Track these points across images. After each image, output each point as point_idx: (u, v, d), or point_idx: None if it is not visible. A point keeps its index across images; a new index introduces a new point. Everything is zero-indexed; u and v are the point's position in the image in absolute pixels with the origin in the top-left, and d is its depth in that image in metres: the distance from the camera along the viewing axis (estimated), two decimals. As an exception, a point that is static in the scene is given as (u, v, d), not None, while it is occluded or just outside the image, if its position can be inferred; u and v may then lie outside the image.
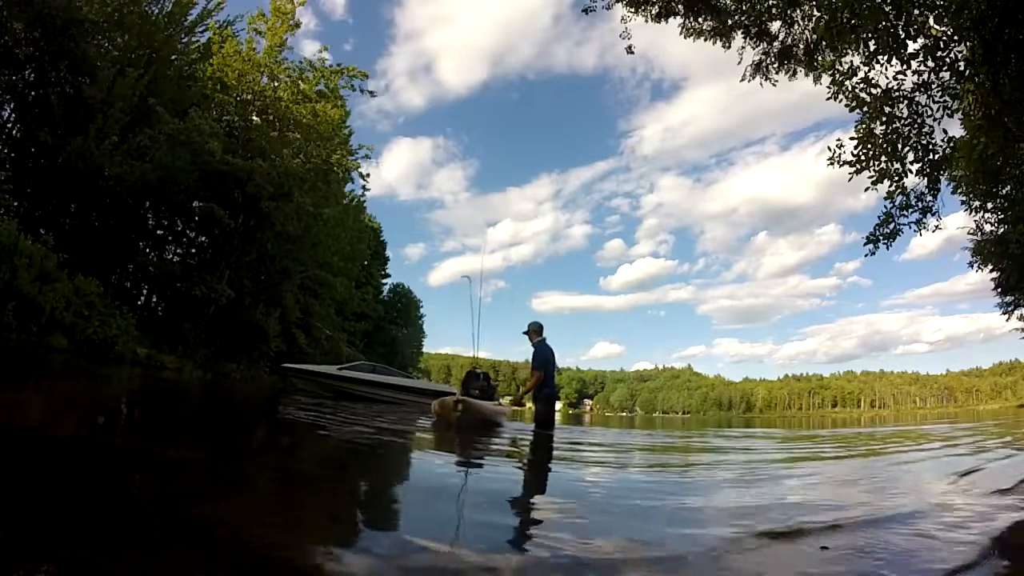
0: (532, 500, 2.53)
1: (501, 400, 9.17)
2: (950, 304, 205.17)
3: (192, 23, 20.70)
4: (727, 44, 8.49)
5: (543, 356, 6.65)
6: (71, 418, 3.59)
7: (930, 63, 6.72)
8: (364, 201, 32.27)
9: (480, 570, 1.30)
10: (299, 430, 4.78)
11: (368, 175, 25.49)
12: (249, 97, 20.59)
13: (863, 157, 7.73)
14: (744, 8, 8.08)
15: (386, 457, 3.59)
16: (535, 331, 6.77)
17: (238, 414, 6.30)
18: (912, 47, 6.65)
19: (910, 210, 8.01)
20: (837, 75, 7.44)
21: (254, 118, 20.82)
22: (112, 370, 10.33)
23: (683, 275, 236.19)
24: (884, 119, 7.47)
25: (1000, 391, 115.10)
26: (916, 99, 7.22)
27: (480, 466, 3.56)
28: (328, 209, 22.62)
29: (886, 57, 6.83)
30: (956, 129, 8.30)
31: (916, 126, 7.42)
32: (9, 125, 16.72)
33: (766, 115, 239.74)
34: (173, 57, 20.18)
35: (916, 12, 6.43)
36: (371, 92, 25.53)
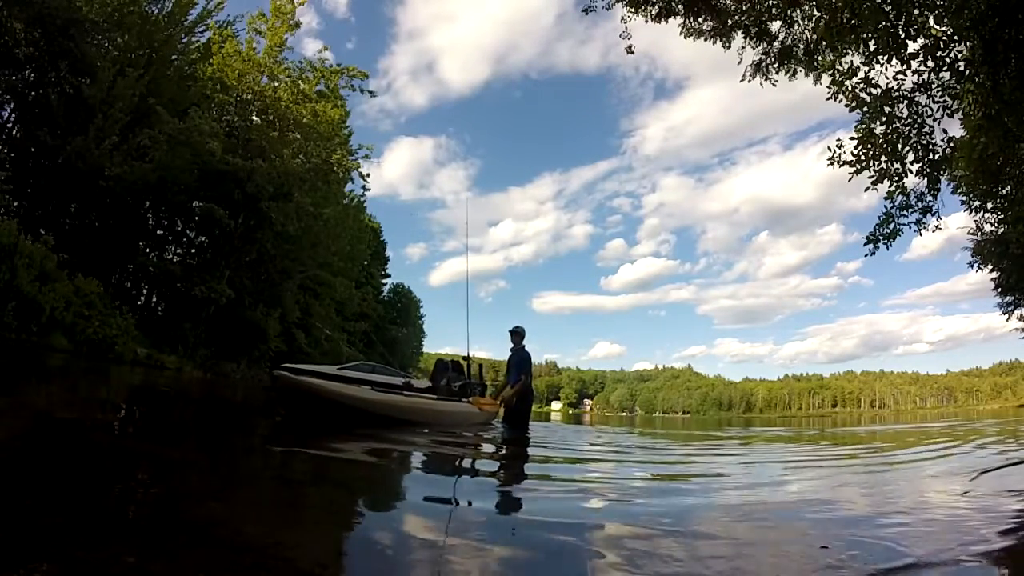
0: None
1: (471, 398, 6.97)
2: (951, 304, 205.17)
3: (192, 23, 20.69)
4: (727, 44, 8.48)
5: (530, 361, 7.13)
6: (71, 418, 3.59)
7: (930, 63, 6.72)
8: (364, 201, 32.28)
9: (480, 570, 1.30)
10: (298, 430, 4.78)
11: (368, 175, 25.43)
12: (249, 97, 20.56)
13: (863, 157, 7.73)
14: (744, 8, 8.08)
15: (385, 456, 3.59)
16: (521, 335, 7.09)
17: (238, 414, 6.29)
18: (912, 47, 6.65)
19: (910, 210, 8.00)
20: (837, 75, 7.44)
21: (254, 118, 20.80)
22: (112, 370, 10.33)
23: (684, 275, 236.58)
24: (884, 119, 7.46)
25: (1000, 391, 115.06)
26: (916, 99, 7.22)
27: (480, 459, 3.55)
28: (328, 209, 22.59)
29: (886, 57, 6.82)
30: (956, 129, 8.29)
31: (916, 126, 7.42)
32: (9, 125, 16.72)
33: (769, 114, 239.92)
34: (173, 57, 20.16)
35: (916, 12, 6.43)
36: (371, 92, 25.48)
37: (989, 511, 2.37)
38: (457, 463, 3.61)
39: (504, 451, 4.68)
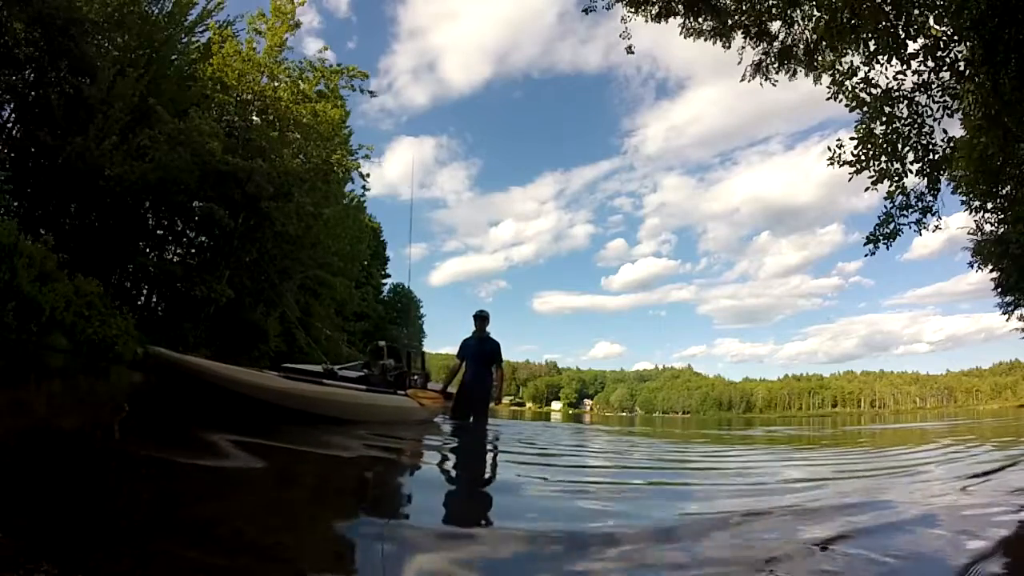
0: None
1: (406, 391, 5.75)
2: (951, 304, 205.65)
3: (192, 23, 20.68)
4: (727, 44, 8.49)
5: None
6: (70, 418, 3.59)
7: (930, 63, 6.73)
8: (364, 201, 32.29)
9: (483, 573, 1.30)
10: (298, 430, 4.77)
11: (368, 175, 25.40)
12: (249, 97, 20.56)
13: (863, 157, 7.75)
14: (744, 8, 8.08)
15: (385, 456, 3.59)
16: (487, 319, 6.49)
17: (237, 413, 6.27)
18: (912, 47, 6.66)
19: (910, 210, 8.03)
20: (837, 75, 7.45)
21: (254, 118, 20.79)
22: (112, 370, 10.33)
23: (685, 275, 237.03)
24: (884, 119, 7.48)
25: (1000, 391, 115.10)
26: (916, 99, 7.24)
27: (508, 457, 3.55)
28: (328, 209, 22.60)
29: (886, 57, 6.84)
30: (956, 129, 8.31)
31: (916, 126, 7.43)
32: (9, 125, 16.71)
33: (771, 114, 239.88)
34: (173, 57, 20.16)
35: (916, 12, 6.44)
36: (371, 92, 25.44)
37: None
38: (459, 462, 3.61)
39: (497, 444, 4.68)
